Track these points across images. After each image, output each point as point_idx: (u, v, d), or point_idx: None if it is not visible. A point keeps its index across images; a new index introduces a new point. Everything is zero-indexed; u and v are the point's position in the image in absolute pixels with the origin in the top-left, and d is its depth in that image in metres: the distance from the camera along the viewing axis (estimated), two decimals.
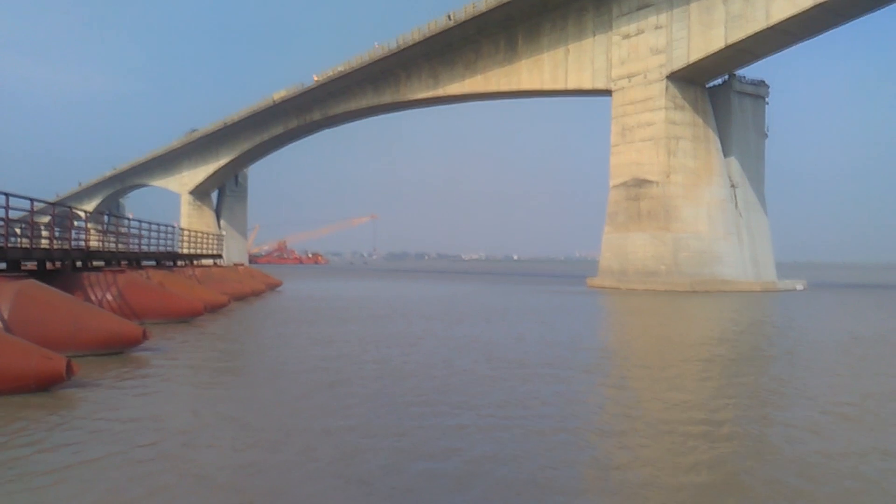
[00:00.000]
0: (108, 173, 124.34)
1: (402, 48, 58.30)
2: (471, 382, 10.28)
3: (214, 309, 22.11)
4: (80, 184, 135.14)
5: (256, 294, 32.08)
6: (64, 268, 17.91)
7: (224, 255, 43.69)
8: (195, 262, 32.41)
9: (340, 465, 6.24)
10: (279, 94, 77.35)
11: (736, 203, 46.28)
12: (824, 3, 35.56)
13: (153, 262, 25.58)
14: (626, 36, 45.38)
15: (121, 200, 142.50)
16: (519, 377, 10.84)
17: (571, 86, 49.25)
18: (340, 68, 66.76)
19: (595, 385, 10.48)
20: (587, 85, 48.32)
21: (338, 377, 10.54)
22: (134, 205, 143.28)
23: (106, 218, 78.86)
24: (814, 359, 13.69)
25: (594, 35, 47.53)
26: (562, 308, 27.57)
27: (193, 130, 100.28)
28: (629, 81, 45.58)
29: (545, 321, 21.47)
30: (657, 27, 43.59)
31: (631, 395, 9.73)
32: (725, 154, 46.50)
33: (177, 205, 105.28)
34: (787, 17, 36.87)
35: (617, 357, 13.79)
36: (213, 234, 42.59)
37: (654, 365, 12.49)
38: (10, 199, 14.02)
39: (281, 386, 9.98)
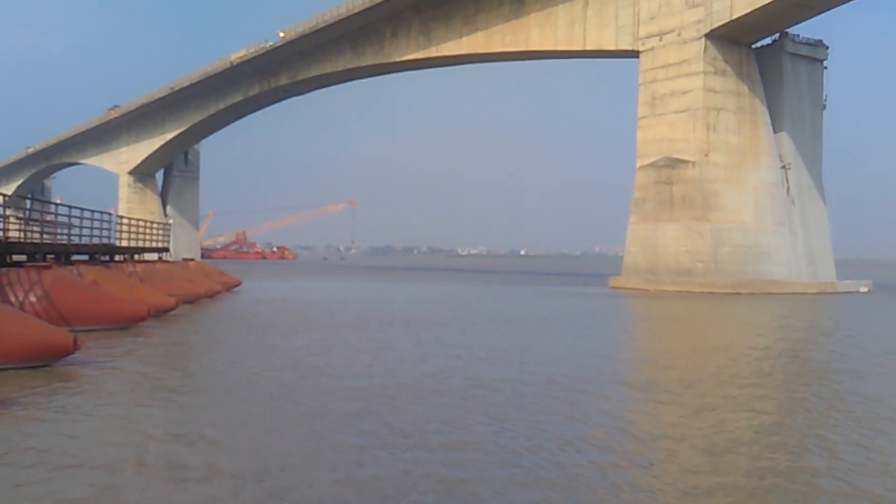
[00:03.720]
0: (31, 149, 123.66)
1: None
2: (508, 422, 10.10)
3: (160, 313, 21.96)
4: None
5: (210, 295, 32.03)
6: None
7: (171, 249, 43.51)
8: (137, 256, 32.24)
9: None
10: (238, 54, 76.90)
11: (788, 188, 46.33)
12: None
13: (86, 257, 25.37)
14: None
15: (46, 182, 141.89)
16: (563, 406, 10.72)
17: (591, 46, 49.10)
18: (312, 23, 66.38)
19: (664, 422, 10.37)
20: (610, 45, 48.19)
21: (319, 407, 10.14)
22: (62, 187, 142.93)
23: (28, 203, 78.40)
24: None
25: None
26: (583, 314, 27.52)
27: (115, 107, 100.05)
28: (660, 41, 45.48)
29: (567, 330, 21.38)
30: None
31: (701, 423, 9.62)
32: (776, 129, 46.50)
33: (114, 187, 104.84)
34: None
35: (663, 374, 13.69)
36: (159, 224, 42.36)
37: (709, 382, 12.40)
38: None
39: (241, 415, 9.71)
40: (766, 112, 46.15)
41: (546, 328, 21.70)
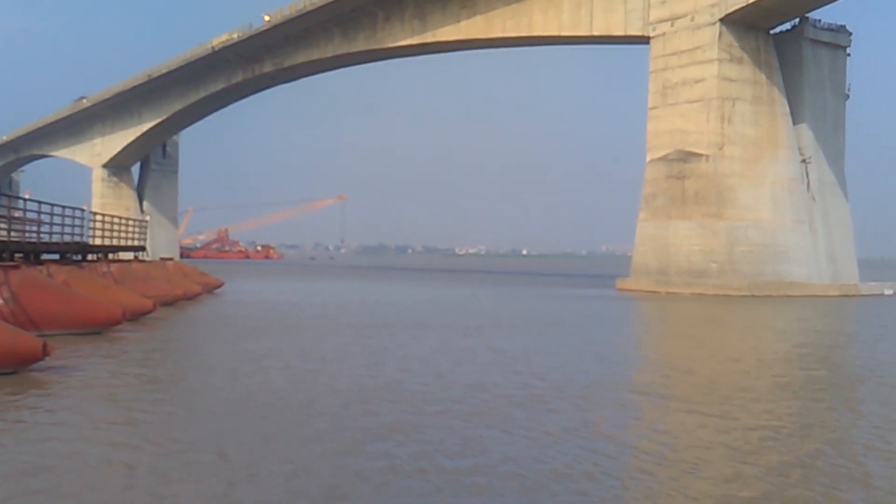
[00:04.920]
0: None
1: None
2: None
3: (136, 316, 21.90)
4: None
5: (190, 297, 32.04)
6: None
7: (148, 248, 43.39)
8: (111, 255, 32.13)
9: None
10: (220, 38, 76.79)
11: (808, 183, 46.34)
12: None
13: (56, 256, 25.25)
14: None
15: (14, 175, 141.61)
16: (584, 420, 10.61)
17: (597, 31, 49.05)
18: (300, 6, 66.26)
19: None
20: (618, 30, 48.15)
21: (314, 424, 9.87)
22: (31, 181, 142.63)
23: None
24: None
25: None
26: (592, 318, 27.49)
27: (80, 98, 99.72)
28: (672, 26, 45.44)
29: (576, 335, 21.31)
30: None
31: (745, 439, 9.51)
32: (795, 120, 46.51)
33: (87, 182, 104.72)
34: None
35: (686, 383, 13.60)
36: (135, 220, 42.21)
37: (739, 393, 12.31)
38: None
39: (227, 430, 9.54)
40: (785, 102, 46.13)
41: (553, 333, 21.63)
